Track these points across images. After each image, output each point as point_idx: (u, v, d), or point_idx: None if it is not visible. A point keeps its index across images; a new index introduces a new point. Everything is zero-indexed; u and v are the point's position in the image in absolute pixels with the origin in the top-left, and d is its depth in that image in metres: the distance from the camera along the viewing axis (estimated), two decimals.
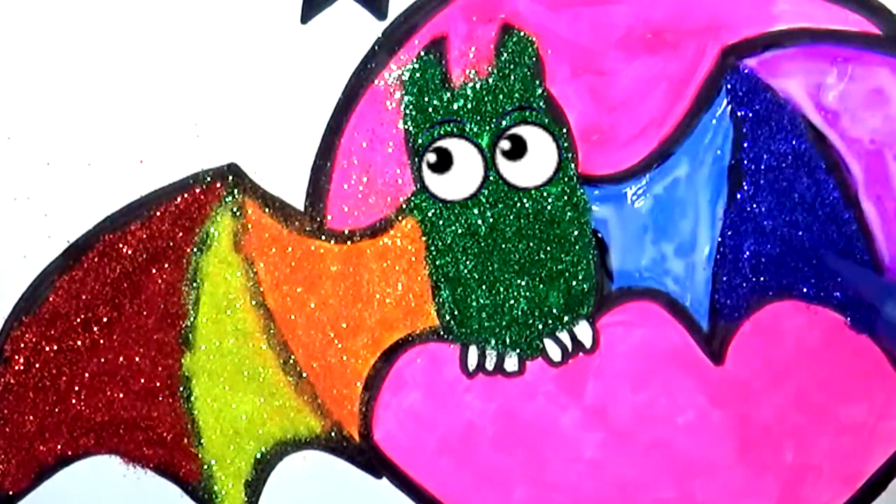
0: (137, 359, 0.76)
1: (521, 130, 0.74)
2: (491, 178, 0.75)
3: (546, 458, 0.78)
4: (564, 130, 0.75)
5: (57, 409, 0.77)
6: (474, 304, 0.76)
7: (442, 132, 0.74)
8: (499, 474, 0.78)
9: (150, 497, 0.78)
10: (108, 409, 0.77)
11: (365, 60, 0.75)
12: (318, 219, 0.76)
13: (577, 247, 0.76)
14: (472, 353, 0.77)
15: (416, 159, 0.75)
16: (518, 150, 0.74)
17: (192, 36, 0.75)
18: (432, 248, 0.76)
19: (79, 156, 0.75)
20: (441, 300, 0.76)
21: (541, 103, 0.75)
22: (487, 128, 0.75)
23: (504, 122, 0.74)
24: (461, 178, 0.75)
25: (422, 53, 0.75)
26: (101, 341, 0.76)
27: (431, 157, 0.74)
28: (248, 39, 0.75)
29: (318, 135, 0.75)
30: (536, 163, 0.75)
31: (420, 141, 0.74)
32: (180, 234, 0.76)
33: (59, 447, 0.77)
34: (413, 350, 0.77)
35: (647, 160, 0.75)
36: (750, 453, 0.77)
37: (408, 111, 0.75)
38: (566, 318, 0.76)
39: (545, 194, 0.75)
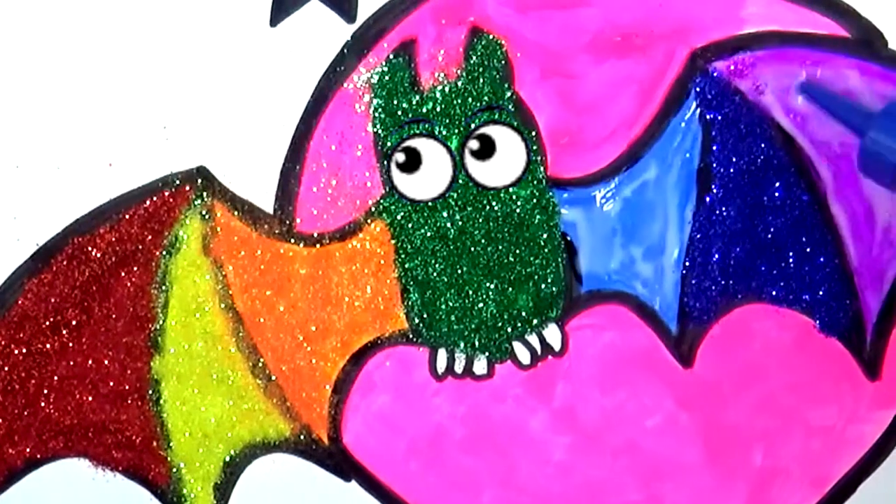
0: (106, 362, 0.73)
1: (490, 130, 0.71)
2: (460, 180, 0.72)
3: (515, 461, 0.74)
4: (533, 133, 0.72)
5: (26, 413, 0.73)
6: (443, 307, 0.73)
7: (411, 132, 0.71)
8: (468, 477, 0.74)
9: (119, 500, 0.74)
10: (77, 413, 0.73)
11: (334, 63, 0.71)
12: (287, 222, 0.72)
13: (546, 250, 0.72)
14: (441, 356, 0.73)
15: (386, 162, 0.72)
16: (487, 149, 0.71)
17: (161, 39, 0.71)
18: (401, 251, 0.72)
19: (48, 159, 0.72)
20: (410, 303, 0.73)
21: (510, 106, 0.71)
22: (456, 130, 0.71)
23: (473, 123, 0.71)
24: (430, 178, 0.71)
25: (391, 56, 0.71)
26: (70, 344, 0.73)
27: (400, 157, 0.71)
28: (217, 42, 0.71)
29: (287, 138, 0.72)
30: (505, 162, 0.71)
31: (389, 143, 0.71)
32: (149, 237, 0.72)
33: (27, 450, 0.74)
34: (382, 353, 0.73)
35: (616, 163, 0.72)
36: (719, 456, 0.74)
37: (377, 114, 0.72)
38: (535, 321, 0.73)
39: (514, 197, 0.72)
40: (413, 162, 0.71)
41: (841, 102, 0.68)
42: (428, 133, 0.71)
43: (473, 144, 0.70)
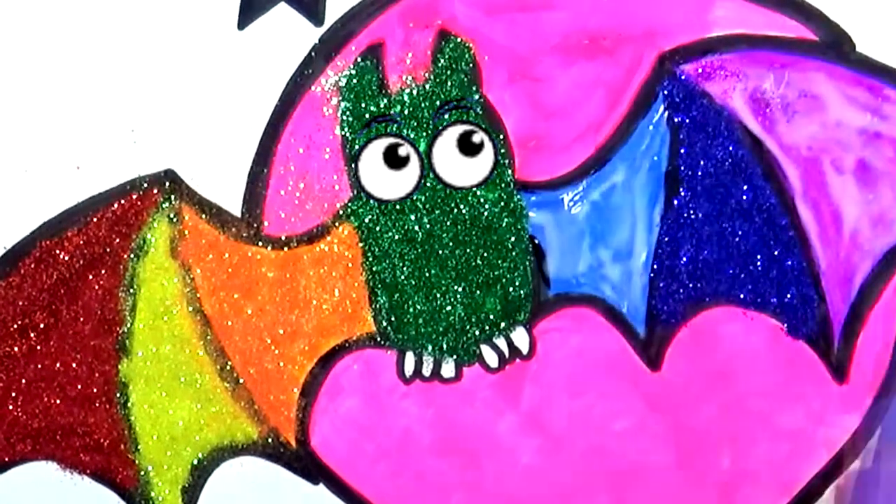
0: (74, 365, 0.71)
1: (465, 129, 0.69)
2: (428, 183, 0.70)
3: (483, 464, 0.73)
4: (501, 136, 0.70)
5: None
6: (411, 310, 0.71)
7: (378, 132, 0.70)
8: (436, 480, 0.73)
9: (87, 503, 0.73)
10: (44, 416, 0.72)
11: (302, 66, 0.70)
12: (255, 225, 0.71)
13: (513, 253, 0.71)
14: (409, 359, 0.72)
15: (354, 165, 0.71)
16: (467, 146, 0.70)
17: (129, 42, 0.70)
18: (369, 254, 0.71)
19: (15, 162, 0.70)
20: (378, 306, 0.71)
21: (478, 109, 0.70)
22: (424, 133, 0.70)
23: (441, 124, 0.69)
24: (399, 178, 0.70)
25: (359, 59, 0.70)
26: (38, 347, 0.71)
27: (380, 149, 0.70)
28: (185, 45, 0.70)
29: (255, 141, 0.70)
30: (475, 162, 0.70)
31: (356, 145, 0.70)
32: (117, 240, 0.71)
33: None
34: (350, 356, 0.72)
35: (583, 166, 0.70)
36: (687, 459, 0.72)
37: (345, 117, 0.70)
38: (503, 325, 0.72)
39: (482, 200, 0.71)
40: (395, 158, 0.69)
41: None
42: (395, 133, 0.69)
43: (452, 141, 0.68)
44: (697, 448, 0.72)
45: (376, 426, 0.72)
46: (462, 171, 0.70)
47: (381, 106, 0.69)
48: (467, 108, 0.69)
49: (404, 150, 0.69)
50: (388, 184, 0.70)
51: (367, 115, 0.70)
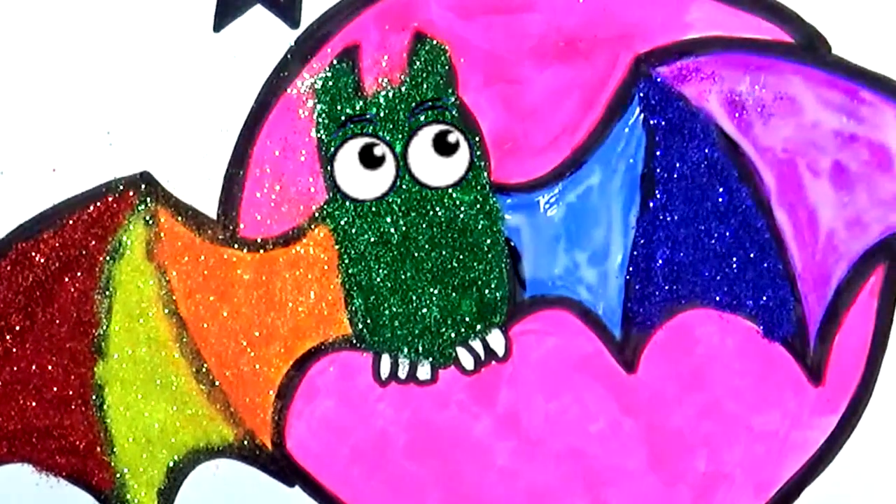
0: (50, 367, 0.70)
1: (440, 129, 0.69)
2: (404, 185, 0.70)
3: (459, 467, 0.72)
4: (477, 139, 0.69)
5: None
6: (387, 312, 0.70)
7: (353, 132, 0.69)
8: (411, 483, 0.72)
9: None
10: (20, 418, 0.71)
11: (277, 69, 0.69)
12: (231, 227, 0.70)
13: (489, 255, 0.70)
14: (385, 361, 0.71)
15: (329, 165, 0.70)
16: (442, 146, 0.69)
17: (105, 44, 0.69)
18: (345, 256, 0.70)
19: None
20: (354, 308, 0.70)
21: (453, 111, 0.69)
22: (400, 136, 0.69)
23: (416, 123, 0.68)
24: (375, 177, 0.69)
25: (334, 62, 0.69)
26: (14, 350, 0.70)
27: (354, 150, 0.69)
28: (161, 48, 0.69)
29: (231, 143, 0.69)
30: (451, 161, 0.69)
31: (332, 147, 0.69)
32: (93, 242, 0.70)
33: None
34: (326, 358, 0.71)
35: (559, 169, 0.70)
36: (663, 461, 0.72)
37: (320, 119, 0.69)
38: (479, 327, 0.71)
39: (458, 202, 0.70)
40: (372, 158, 0.68)
41: None
42: (371, 133, 0.68)
43: (427, 141, 0.67)
44: (673, 450, 0.71)
45: (352, 428, 0.71)
46: (438, 170, 0.69)
47: (357, 108, 0.69)
48: (443, 107, 0.68)
49: (380, 149, 0.69)
50: (364, 184, 0.69)
51: (342, 118, 0.69)
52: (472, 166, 0.69)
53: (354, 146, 0.69)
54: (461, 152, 0.68)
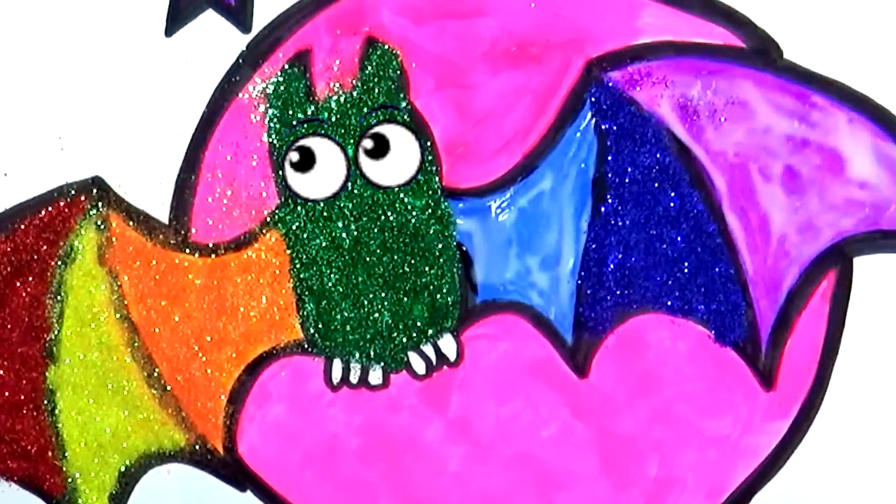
0: (1, 372, 0.69)
1: (384, 129, 0.67)
2: (356, 190, 0.68)
3: (410, 472, 0.70)
4: (429, 143, 0.68)
5: None
6: (338, 317, 0.69)
7: (304, 132, 0.67)
8: (363, 487, 0.70)
9: None
10: None
11: (229, 74, 0.68)
12: (183, 232, 0.69)
13: (441, 260, 0.69)
14: (337, 366, 0.70)
15: (281, 171, 0.68)
16: (381, 148, 0.67)
17: (56, 49, 0.68)
18: (296, 260, 0.69)
19: None
20: (305, 313, 0.69)
21: (405, 116, 0.68)
22: (352, 140, 0.68)
23: (367, 123, 0.67)
24: (324, 176, 0.67)
25: (286, 66, 0.68)
26: None
27: (294, 156, 0.67)
28: (113, 53, 0.68)
29: (183, 148, 0.68)
30: (399, 161, 0.67)
31: (283, 150, 0.68)
32: (45, 247, 0.69)
33: None
34: (277, 363, 0.69)
35: (511, 173, 0.68)
36: (614, 466, 0.70)
37: (272, 124, 0.68)
38: (430, 332, 0.69)
39: (409, 207, 0.68)
40: (307, 161, 0.67)
41: None
42: (322, 133, 0.67)
43: (367, 143, 0.66)
44: (625, 455, 0.70)
45: (303, 433, 0.70)
46: (388, 170, 0.67)
47: (309, 113, 0.67)
48: (394, 107, 0.67)
49: (330, 149, 0.67)
50: (315, 183, 0.68)
51: (294, 122, 0.67)
52: (423, 168, 0.67)
53: (305, 146, 0.67)
54: (412, 153, 0.67)
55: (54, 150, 0.68)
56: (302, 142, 0.67)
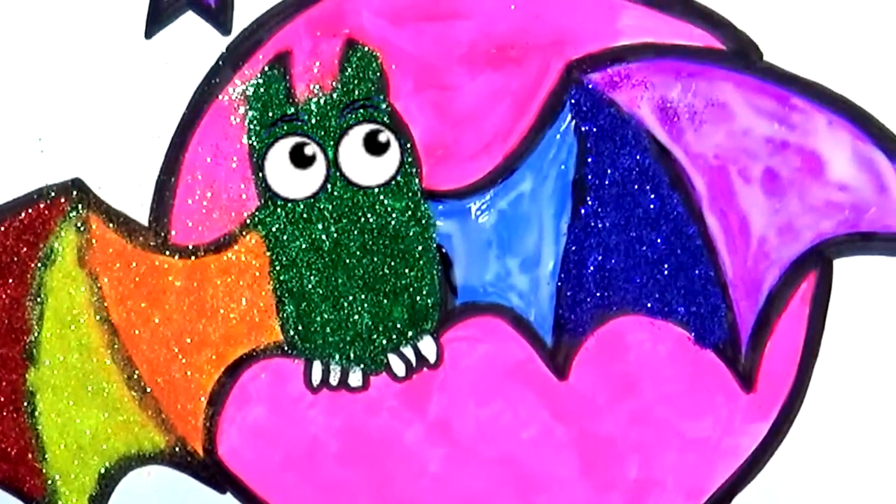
0: None
1: (371, 128, 0.67)
2: (336, 192, 0.68)
3: (390, 473, 0.70)
4: (408, 145, 0.68)
5: None
6: (318, 319, 0.68)
7: (283, 132, 0.67)
8: (343, 489, 0.70)
9: None
10: None
11: (209, 76, 0.67)
12: (163, 234, 0.68)
13: (421, 262, 0.68)
14: (316, 368, 0.69)
15: (261, 173, 0.68)
16: (373, 145, 0.67)
17: (36, 51, 0.67)
18: (276, 262, 0.68)
19: None
20: (285, 315, 0.68)
21: (385, 118, 0.67)
22: (332, 142, 0.67)
23: (345, 121, 0.66)
24: (306, 176, 0.67)
25: (266, 68, 0.67)
26: None
27: (287, 148, 0.67)
28: (93, 54, 0.67)
29: (163, 150, 0.67)
30: (381, 161, 0.67)
31: (263, 146, 0.67)
32: (24, 249, 0.68)
33: None
34: (257, 365, 0.69)
35: (491, 175, 0.67)
36: (594, 468, 0.69)
37: (252, 126, 0.68)
38: (410, 333, 0.69)
39: (389, 209, 0.68)
40: (300, 158, 0.66)
41: None
42: (301, 132, 0.66)
43: (358, 140, 0.65)
44: (605, 456, 0.69)
45: (283, 435, 0.69)
46: (369, 170, 0.67)
47: (288, 115, 0.67)
48: (374, 106, 0.66)
49: (310, 149, 0.67)
50: (295, 183, 0.67)
51: (274, 128, 0.67)
52: (403, 170, 0.67)
53: (285, 146, 0.67)
54: (392, 152, 0.66)
55: (34, 152, 0.67)
56: (291, 139, 0.66)
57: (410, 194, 0.67)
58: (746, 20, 0.67)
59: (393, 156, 0.67)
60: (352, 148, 0.67)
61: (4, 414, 0.69)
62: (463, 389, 0.69)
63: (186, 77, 0.67)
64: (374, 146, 0.66)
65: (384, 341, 0.68)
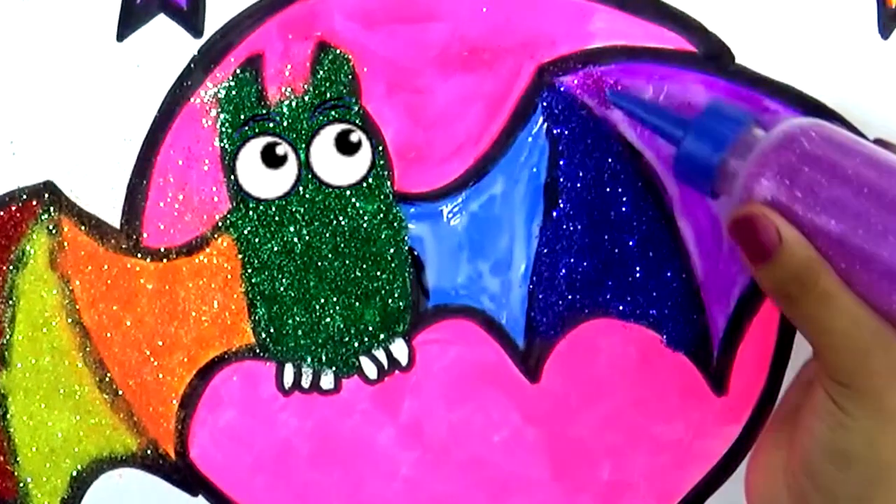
0: None
1: (342, 128, 0.66)
2: (308, 195, 0.67)
3: (362, 476, 0.69)
4: (380, 147, 0.67)
5: None
6: (290, 321, 0.68)
7: (255, 131, 0.66)
8: (315, 492, 0.69)
9: None
10: None
11: (181, 78, 0.66)
12: (134, 236, 0.67)
13: (392, 264, 0.68)
14: (288, 370, 0.68)
15: (233, 175, 0.67)
16: (344, 145, 0.66)
17: (8, 54, 0.67)
18: (248, 265, 0.67)
19: None
20: (257, 318, 0.68)
21: (357, 120, 0.67)
22: (303, 145, 0.67)
23: (317, 121, 0.66)
24: (277, 176, 0.66)
25: (238, 71, 0.66)
26: None
27: (259, 147, 0.66)
28: (64, 57, 0.66)
29: (134, 153, 0.66)
30: (353, 160, 0.66)
31: (230, 147, 0.66)
32: None
33: None
34: (229, 368, 0.68)
35: (463, 178, 0.67)
36: (566, 471, 0.69)
37: (224, 129, 0.67)
38: (382, 336, 0.68)
39: (361, 212, 0.67)
40: (274, 158, 0.66)
41: (652, 109, 0.63)
42: (273, 132, 0.65)
43: (329, 140, 0.65)
44: (576, 459, 0.68)
45: (255, 438, 0.68)
46: (340, 170, 0.66)
47: (260, 115, 0.66)
48: (346, 107, 0.66)
49: (282, 148, 0.66)
50: (267, 183, 0.66)
51: (245, 128, 0.66)
52: (374, 172, 0.66)
53: (256, 146, 0.66)
54: (363, 152, 0.66)
55: (5, 155, 0.67)
56: (263, 139, 0.65)
57: (382, 197, 0.66)
58: (718, 23, 0.66)
59: (364, 156, 0.66)
60: (323, 147, 0.66)
61: None
62: (435, 392, 0.68)
63: (158, 80, 0.66)
64: (345, 146, 0.66)
65: (356, 344, 0.67)
